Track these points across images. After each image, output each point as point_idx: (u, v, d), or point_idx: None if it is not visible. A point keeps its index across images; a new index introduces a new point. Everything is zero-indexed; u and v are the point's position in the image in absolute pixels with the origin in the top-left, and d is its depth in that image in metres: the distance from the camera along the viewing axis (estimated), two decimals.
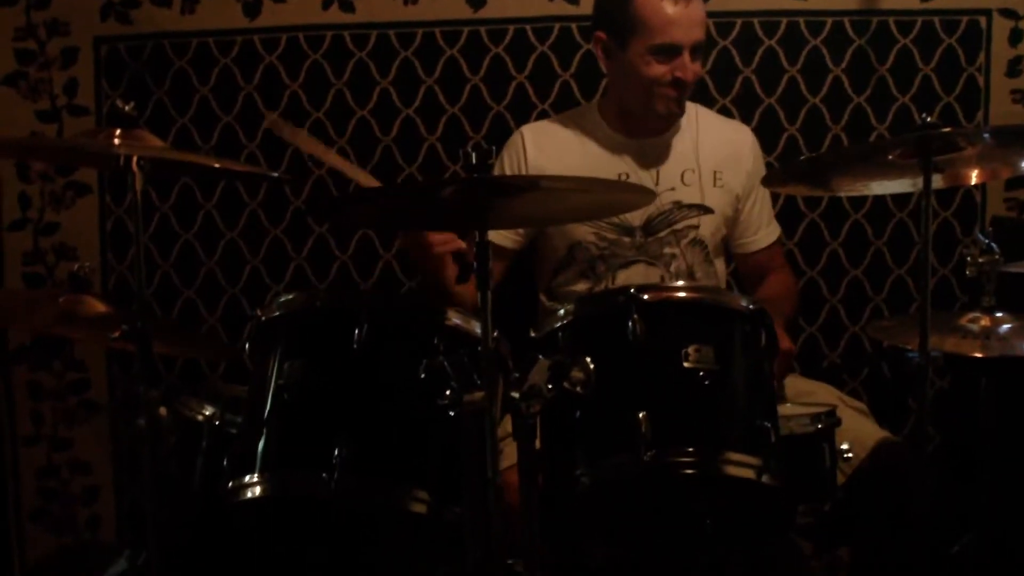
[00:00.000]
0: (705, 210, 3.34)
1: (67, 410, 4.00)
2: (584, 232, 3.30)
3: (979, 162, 2.68)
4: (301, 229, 3.91)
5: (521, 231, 3.36)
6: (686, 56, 3.14)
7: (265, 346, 2.61)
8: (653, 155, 3.32)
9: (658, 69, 3.16)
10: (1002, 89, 3.86)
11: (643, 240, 3.31)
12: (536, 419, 2.28)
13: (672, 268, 3.31)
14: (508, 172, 3.34)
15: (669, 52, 3.14)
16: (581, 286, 3.34)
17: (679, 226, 3.32)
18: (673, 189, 3.31)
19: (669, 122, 3.31)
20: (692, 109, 3.41)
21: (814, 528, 2.80)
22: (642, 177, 3.30)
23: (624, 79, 3.25)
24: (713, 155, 3.36)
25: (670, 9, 3.12)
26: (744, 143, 3.46)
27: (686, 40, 3.13)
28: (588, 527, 2.67)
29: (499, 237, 3.30)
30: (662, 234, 3.31)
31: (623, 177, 3.28)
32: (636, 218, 3.29)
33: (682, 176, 3.32)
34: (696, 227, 3.33)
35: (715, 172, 3.35)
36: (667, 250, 3.31)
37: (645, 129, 3.32)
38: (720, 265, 3.45)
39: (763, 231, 3.48)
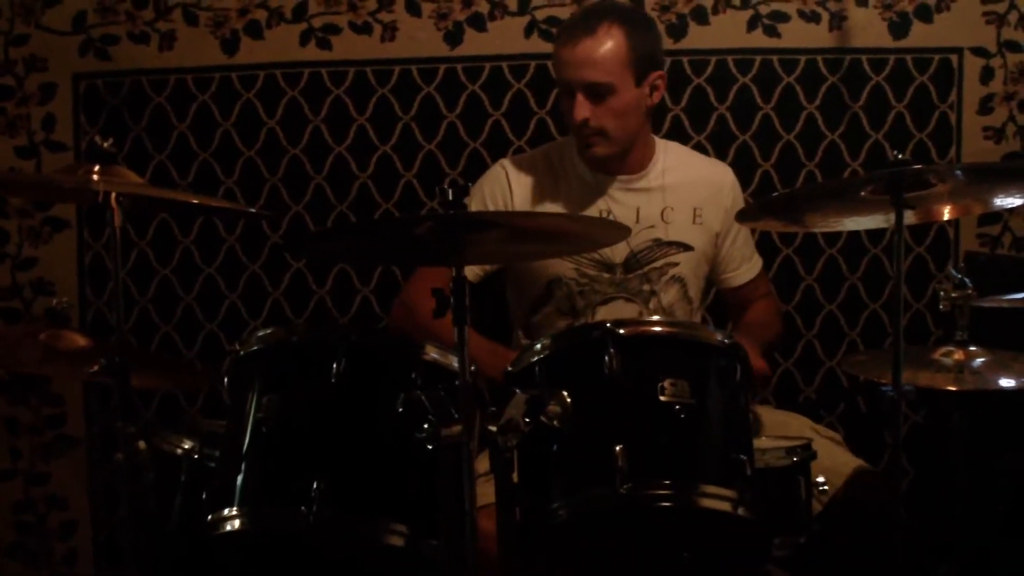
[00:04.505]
0: (685, 248, 3.34)
1: (44, 444, 3.99)
2: (564, 268, 3.29)
3: (951, 198, 2.69)
4: (279, 264, 3.92)
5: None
6: (578, 96, 3.13)
7: (243, 380, 2.60)
8: (633, 192, 3.32)
9: (566, 110, 3.20)
10: (974, 126, 3.89)
11: (623, 277, 3.31)
12: (513, 453, 2.30)
13: (651, 305, 3.32)
14: (491, 206, 3.32)
15: (567, 92, 3.16)
16: (560, 323, 3.33)
17: (659, 263, 3.32)
18: (653, 227, 3.31)
19: (599, 164, 3.28)
20: (673, 148, 3.44)
21: (790, 561, 2.80)
22: (623, 214, 3.28)
23: None
24: (693, 193, 3.36)
25: (562, 47, 3.16)
26: (724, 181, 3.45)
27: (573, 79, 3.13)
28: (565, 560, 2.67)
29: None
30: (641, 271, 3.31)
31: (604, 214, 3.28)
32: (616, 254, 3.29)
33: (662, 213, 3.32)
34: (676, 264, 3.33)
35: (695, 209, 3.35)
36: (645, 287, 3.32)
37: (621, 166, 3.31)
38: (700, 302, 3.45)
39: (745, 265, 3.50)
